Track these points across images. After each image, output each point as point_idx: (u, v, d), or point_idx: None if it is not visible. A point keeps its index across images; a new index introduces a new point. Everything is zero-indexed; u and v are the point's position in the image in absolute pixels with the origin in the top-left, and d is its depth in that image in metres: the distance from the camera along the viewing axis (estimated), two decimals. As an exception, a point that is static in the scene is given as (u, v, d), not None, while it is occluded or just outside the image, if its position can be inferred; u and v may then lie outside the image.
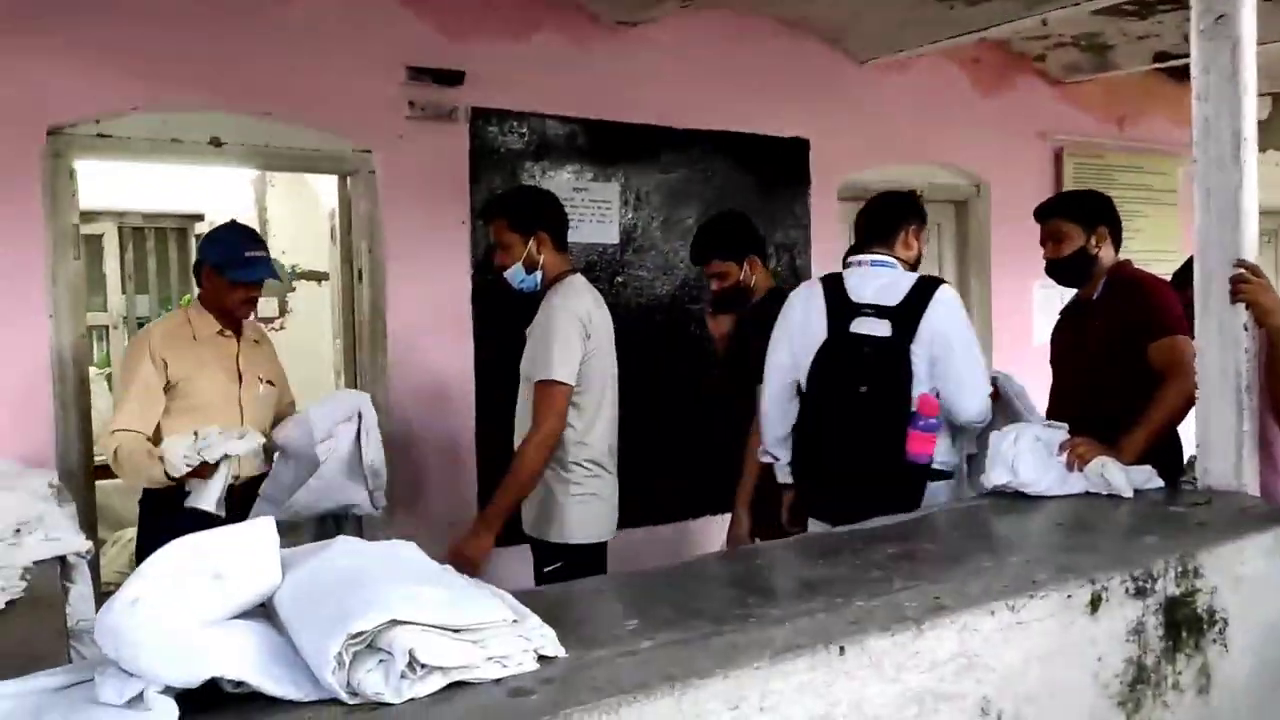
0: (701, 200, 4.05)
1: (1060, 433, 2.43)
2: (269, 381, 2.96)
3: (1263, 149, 6.13)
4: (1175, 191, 5.53)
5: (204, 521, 2.75)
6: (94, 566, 2.66)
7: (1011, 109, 4.93)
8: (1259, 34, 3.91)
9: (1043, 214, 2.91)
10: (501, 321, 3.64)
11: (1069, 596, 1.76)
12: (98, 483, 3.16)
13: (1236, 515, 2.23)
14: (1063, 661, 1.77)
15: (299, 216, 6.15)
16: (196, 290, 2.92)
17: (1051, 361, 2.99)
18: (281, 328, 6.14)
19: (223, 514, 2.61)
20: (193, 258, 6.74)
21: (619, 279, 3.89)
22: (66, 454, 2.98)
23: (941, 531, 2.24)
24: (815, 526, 2.62)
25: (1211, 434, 2.42)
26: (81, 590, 2.36)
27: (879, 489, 2.43)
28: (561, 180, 3.72)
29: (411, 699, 1.34)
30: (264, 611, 1.51)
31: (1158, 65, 4.69)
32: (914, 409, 2.44)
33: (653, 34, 3.89)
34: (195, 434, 2.59)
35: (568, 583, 2.11)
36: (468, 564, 2.51)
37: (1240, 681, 2.02)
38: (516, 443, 2.86)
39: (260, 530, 1.57)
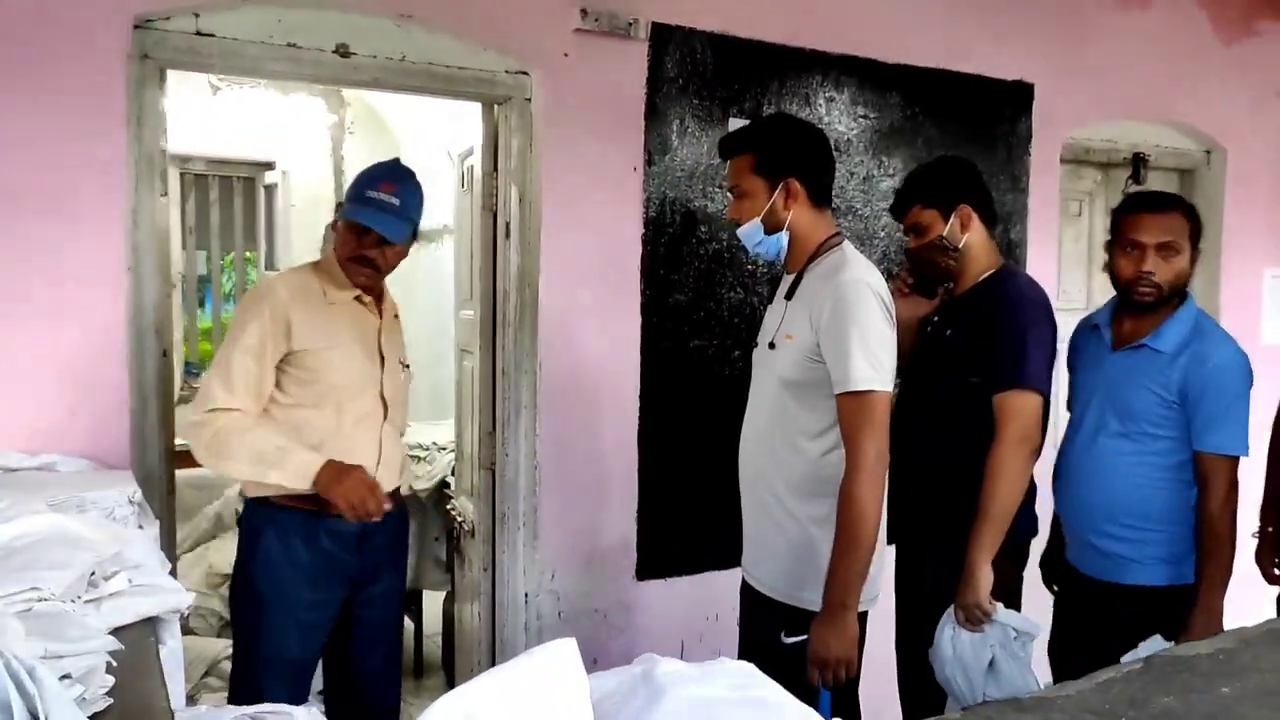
0: (909, 153, 3.28)
1: None
2: (406, 365, 2.39)
3: None
4: None
5: (348, 546, 2.20)
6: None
7: (1252, 62, 4.10)
8: None
9: None
10: (672, 298, 2.93)
11: None
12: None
13: None
14: None
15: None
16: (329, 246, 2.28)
17: None
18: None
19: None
20: (260, 210, 6.16)
21: (810, 248, 3.14)
22: (145, 450, 2.29)
23: None
24: None
25: None
26: (172, 651, 1.68)
27: None
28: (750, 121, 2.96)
29: None
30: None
31: None
32: None
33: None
34: None
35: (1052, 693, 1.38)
36: (839, 665, 1.87)
37: None
38: (744, 466, 2.13)
39: (563, 655, 0.87)
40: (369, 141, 5.72)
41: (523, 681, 0.81)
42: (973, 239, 2.30)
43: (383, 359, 2.28)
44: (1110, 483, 2.22)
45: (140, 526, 1.93)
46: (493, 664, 2.79)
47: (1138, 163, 3.90)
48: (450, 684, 3.51)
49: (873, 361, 1.88)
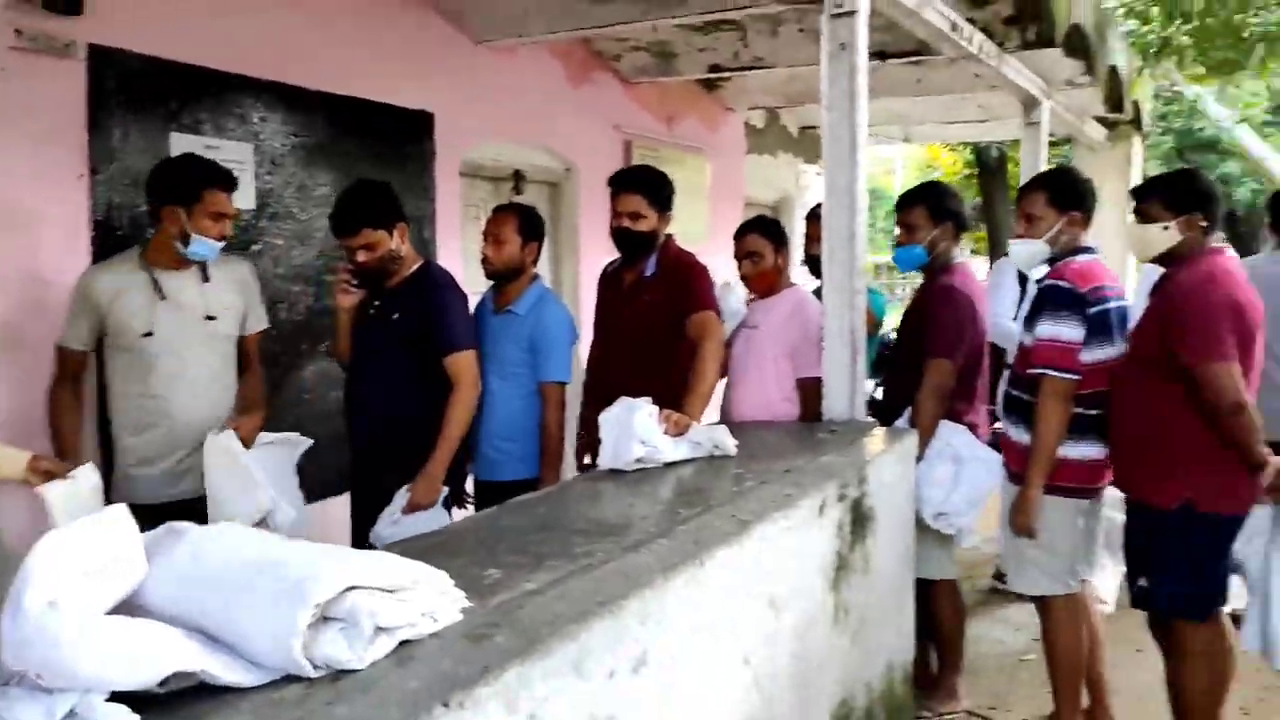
0: (335, 168, 3.94)
1: (648, 404, 2.64)
2: None
3: (759, 153, 7.49)
4: (706, 185, 6.55)
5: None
6: None
7: (592, 102, 5.46)
8: (779, 59, 4.99)
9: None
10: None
11: (814, 504, 2.24)
12: None
13: (863, 437, 2.92)
14: (808, 560, 2.24)
15: None
16: None
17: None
18: None
19: None
20: None
21: (255, 247, 3.65)
22: None
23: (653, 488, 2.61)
24: None
25: (832, 379, 3.11)
26: None
27: None
28: (189, 141, 3.36)
29: (373, 663, 1.36)
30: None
31: (712, 75, 5.55)
32: None
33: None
34: None
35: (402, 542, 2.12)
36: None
37: (881, 561, 2.68)
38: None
39: (118, 518, 1.40)
40: None
41: (88, 529, 1.35)
42: (407, 250, 3.09)
43: None
44: (493, 408, 3.16)
45: None
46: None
47: (518, 177, 5.02)
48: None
49: None
